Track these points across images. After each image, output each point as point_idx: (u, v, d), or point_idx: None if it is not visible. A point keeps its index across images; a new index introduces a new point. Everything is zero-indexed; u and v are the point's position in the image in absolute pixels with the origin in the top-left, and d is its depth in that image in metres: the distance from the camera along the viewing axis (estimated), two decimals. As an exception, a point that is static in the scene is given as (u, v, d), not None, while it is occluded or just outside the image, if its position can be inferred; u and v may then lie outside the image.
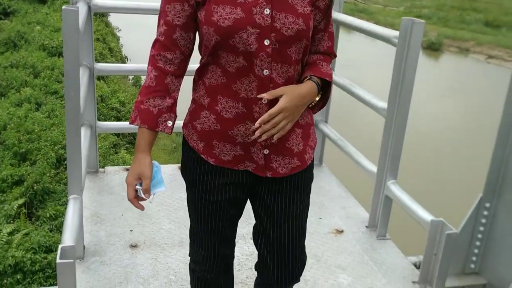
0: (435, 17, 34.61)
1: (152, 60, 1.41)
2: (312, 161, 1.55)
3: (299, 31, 1.33)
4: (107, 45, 17.64)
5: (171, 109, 1.42)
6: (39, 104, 11.05)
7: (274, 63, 1.34)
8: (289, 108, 1.34)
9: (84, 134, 2.62)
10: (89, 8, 2.59)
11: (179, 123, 1.50)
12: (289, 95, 1.34)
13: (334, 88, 2.99)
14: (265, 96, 1.33)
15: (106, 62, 15.22)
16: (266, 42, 1.31)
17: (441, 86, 18.80)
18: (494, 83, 17.61)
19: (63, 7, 1.85)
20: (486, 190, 2.69)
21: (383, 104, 2.53)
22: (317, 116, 3.20)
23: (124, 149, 10.15)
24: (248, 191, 1.51)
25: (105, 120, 10.67)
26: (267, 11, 1.30)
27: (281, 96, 1.34)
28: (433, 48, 26.00)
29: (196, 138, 1.45)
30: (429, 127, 13.48)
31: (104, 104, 11.39)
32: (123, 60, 18.67)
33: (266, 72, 1.33)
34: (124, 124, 3.57)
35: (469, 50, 27.72)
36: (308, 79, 1.41)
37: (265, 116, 1.33)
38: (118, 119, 11.51)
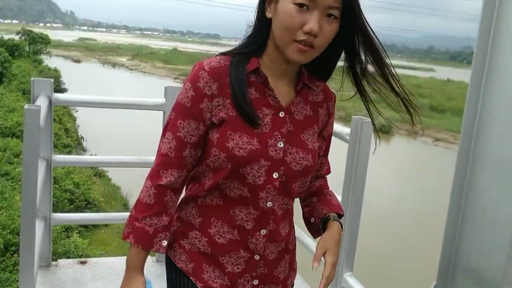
0: (384, 101, 36.50)
1: (155, 176, 1.31)
2: (293, 285, 1.51)
3: (307, 167, 1.33)
4: (63, 125, 17.51)
5: (167, 228, 1.34)
6: (-12, 186, 10.66)
7: (278, 196, 1.32)
8: (336, 260, 1.35)
9: (38, 226, 2.56)
10: (50, 102, 2.63)
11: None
12: (332, 249, 1.35)
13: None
14: (316, 264, 1.31)
15: (61, 143, 15.05)
16: (275, 175, 1.29)
17: (393, 168, 19.40)
18: (442, 164, 18.38)
19: (25, 106, 1.88)
20: (439, 277, 2.75)
21: (337, 198, 2.62)
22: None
23: (76, 233, 9.79)
24: None
25: (57, 203, 10.37)
26: (280, 144, 1.29)
27: (324, 252, 1.34)
28: (383, 131, 27.19)
29: (185, 258, 1.37)
30: (383, 210, 13.73)
31: (57, 186, 11.11)
32: (79, 140, 18.51)
33: (269, 204, 1.31)
34: (79, 216, 3.50)
35: (417, 133, 29.11)
36: (331, 221, 1.40)
37: (325, 282, 1.31)
38: (71, 201, 11.21)
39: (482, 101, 1.80)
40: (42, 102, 2.41)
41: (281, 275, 1.42)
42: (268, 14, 1.29)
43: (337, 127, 2.69)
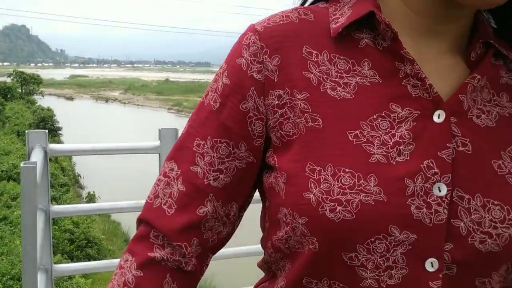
0: None
1: (135, 248, 0.66)
2: None
3: None
4: (59, 164, 17.55)
5: None
6: (-13, 233, 10.61)
7: None
8: None
9: (40, 280, 2.53)
10: (45, 153, 2.63)
11: None
12: None
13: None
14: None
15: (58, 182, 15.01)
16: (431, 266, 0.56)
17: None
18: None
19: (21, 164, 1.88)
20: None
21: None
22: None
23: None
24: None
25: (57, 244, 10.32)
26: (441, 190, 0.56)
27: None
28: None
29: None
30: None
31: (56, 227, 11.06)
32: (76, 178, 18.53)
33: None
34: (82, 266, 3.47)
35: None
36: None
37: None
38: (71, 241, 11.17)
39: None
40: (37, 155, 2.41)
41: None
42: None
43: None
